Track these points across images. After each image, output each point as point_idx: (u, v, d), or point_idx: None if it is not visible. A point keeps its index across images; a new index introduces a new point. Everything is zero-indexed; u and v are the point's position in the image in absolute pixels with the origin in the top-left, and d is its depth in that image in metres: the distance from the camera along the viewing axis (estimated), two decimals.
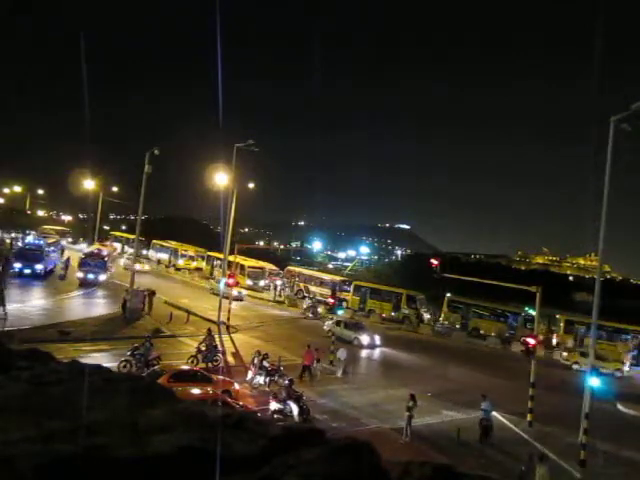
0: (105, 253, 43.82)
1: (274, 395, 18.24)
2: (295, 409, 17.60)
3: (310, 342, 25.18)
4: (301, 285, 49.15)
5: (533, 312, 28.98)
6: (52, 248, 45.20)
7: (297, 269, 55.77)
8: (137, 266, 44.76)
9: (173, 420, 2.38)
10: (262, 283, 49.88)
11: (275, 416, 17.27)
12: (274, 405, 17.70)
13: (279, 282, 49.53)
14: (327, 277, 52.21)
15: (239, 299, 40.33)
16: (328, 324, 33.99)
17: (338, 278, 52.15)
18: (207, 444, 2.15)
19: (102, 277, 39.26)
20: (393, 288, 47.82)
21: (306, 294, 46.32)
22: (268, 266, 53.67)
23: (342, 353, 25.39)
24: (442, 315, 44.53)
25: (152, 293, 33.18)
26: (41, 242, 44.52)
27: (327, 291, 47.16)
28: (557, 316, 41.01)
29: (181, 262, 56.72)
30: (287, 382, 18.88)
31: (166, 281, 46.96)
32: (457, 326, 43.00)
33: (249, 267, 50.53)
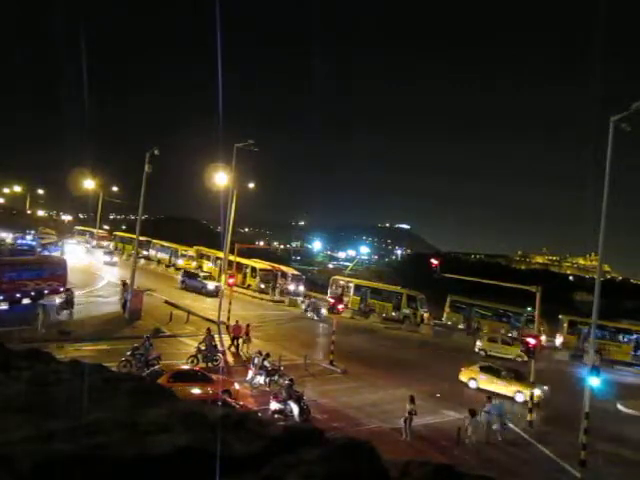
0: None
1: (274, 395, 18.24)
2: (296, 409, 17.60)
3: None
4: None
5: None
6: (46, 249, 45.16)
7: (345, 279, 51.82)
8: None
9: (173, 420, 2.38)
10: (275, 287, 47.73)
11: (275, 416, 17.28)
12: (274, 405, 17.70)
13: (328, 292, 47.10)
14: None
15: (112, 264, 49.24)
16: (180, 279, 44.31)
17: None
18: (207, 444, 2.15)
19: None
20: (393, 288, 47.62)
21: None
22: (290, 271, 51.01)
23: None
24: (444, 315, 44.54)
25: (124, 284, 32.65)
26: (34, 243, 44.44)
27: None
28: (560, 316, 40.83)
29: (181, 262, 56.60)
30: (287, 382, 18.87)
31: (166, 281, 46.93)
32: (460, 326, 43.02)
33: (260, 270, 48.84)
